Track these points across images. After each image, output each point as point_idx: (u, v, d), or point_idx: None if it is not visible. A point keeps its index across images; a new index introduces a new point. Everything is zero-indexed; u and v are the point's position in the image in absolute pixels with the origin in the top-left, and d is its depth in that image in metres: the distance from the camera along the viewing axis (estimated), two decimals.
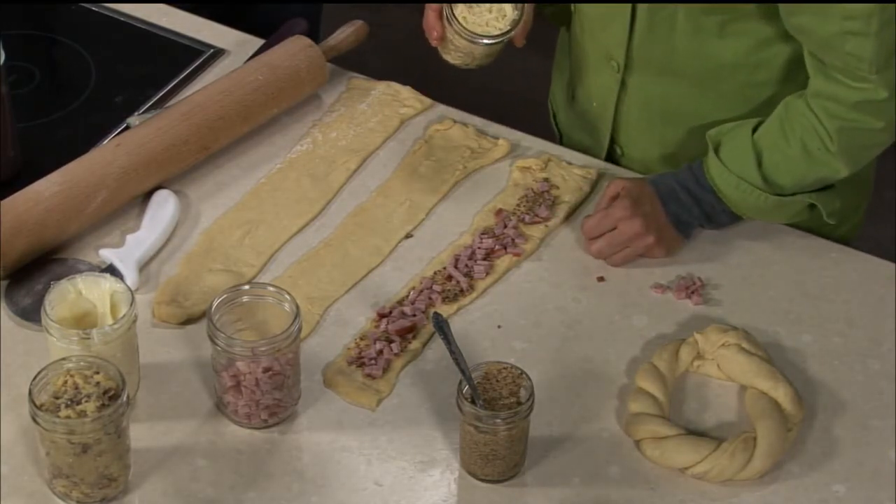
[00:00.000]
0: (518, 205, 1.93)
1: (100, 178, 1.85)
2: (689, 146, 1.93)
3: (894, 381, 1.75)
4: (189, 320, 1.77)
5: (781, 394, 1.69)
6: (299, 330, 1.64)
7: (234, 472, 1.64)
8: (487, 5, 1.83)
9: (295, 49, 2.04)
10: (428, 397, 1.71)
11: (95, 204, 1.85)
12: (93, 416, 1.53)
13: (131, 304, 1.64)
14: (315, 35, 2.33)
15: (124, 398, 1.55)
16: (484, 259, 1.85)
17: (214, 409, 1.69)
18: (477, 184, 1.97)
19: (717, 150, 1.85)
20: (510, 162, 1.99)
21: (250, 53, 2.10)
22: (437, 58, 1.93)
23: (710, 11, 1.83)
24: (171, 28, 2.18)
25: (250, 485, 1.62)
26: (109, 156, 1.87)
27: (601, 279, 1.86)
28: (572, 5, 2.01)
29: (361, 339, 1.76)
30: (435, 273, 1.84)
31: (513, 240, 1.87)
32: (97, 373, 1.57)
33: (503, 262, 1.86)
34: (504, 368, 1.63)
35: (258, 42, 2.14)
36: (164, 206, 1.89)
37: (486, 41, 1.83)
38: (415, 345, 1.76)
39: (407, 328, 1.76)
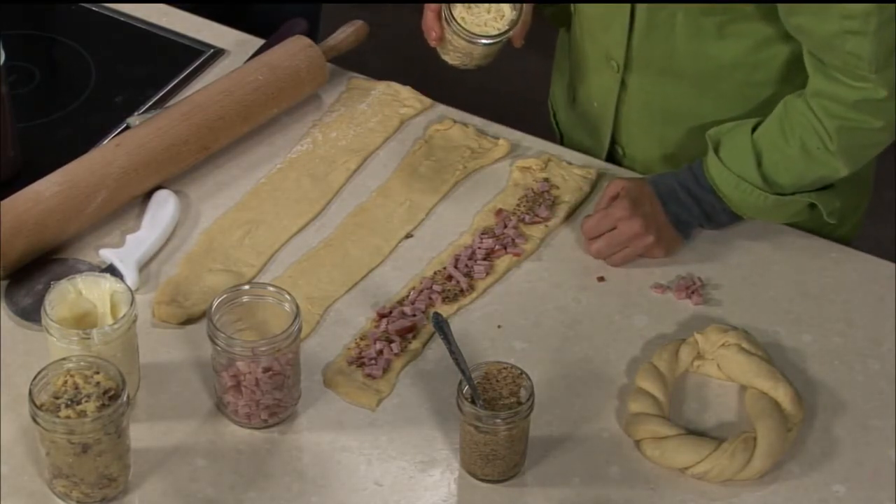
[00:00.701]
0: (518, 205, 1.92)
1: (100, 178, 1.85)
2: (690, 146, 1.93)
3: (894, 381, 1.75)
4: (189, 320, 1.77)
5: (781, 394, 1.69)
6: (299, 330, 1.64)
7: (234, 472, 1.64)
8: (486, 6, 1.83)
9: (295, 49, 2.04)
10: (428, 397, 1.71)
11: (95, 204, 1.85)
12: (93, 416, 1.53)
13: (131, 304, 1.64)
14: (315, 35, 2.34)
15: (124, 398, 1.55)
16: (484, 259, 1.85)
17: (214, 409, 1.69)
18: (477, 184, 1.97)
19: (716, 150, 1.85)
20: (510, 162, 1.99)
21: (250, 53, 2.10)
22: (436, 58, 1.93)
23: (710, 12, 1.83)
24: (171, 28, 2.18)
25: (250, 485, 1.62)
26: (109, 156, 1.87)
27: (601, 279, 1.86)
28: (572, 6, 2.01)
29: (361, 339, 1.76)
30: (435, 273, 1.84)
31: (513, 240, 1.87)
32: (97, 373, 1.57)
33: (503, 262, 1.86)
34: (504, 368, 1.63)
35: (258, 42, 2.14)
36: (164, 206, 1.89)
37: (484, 41, 1.83)
38: (415, 345, 1.76)
39: (407, 328, 1.76)
